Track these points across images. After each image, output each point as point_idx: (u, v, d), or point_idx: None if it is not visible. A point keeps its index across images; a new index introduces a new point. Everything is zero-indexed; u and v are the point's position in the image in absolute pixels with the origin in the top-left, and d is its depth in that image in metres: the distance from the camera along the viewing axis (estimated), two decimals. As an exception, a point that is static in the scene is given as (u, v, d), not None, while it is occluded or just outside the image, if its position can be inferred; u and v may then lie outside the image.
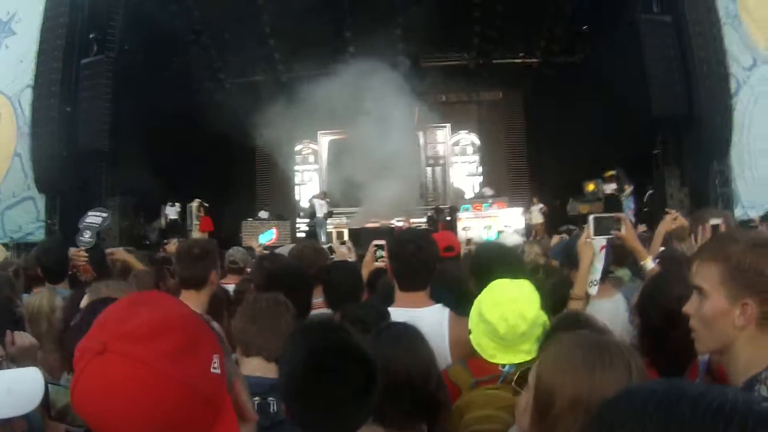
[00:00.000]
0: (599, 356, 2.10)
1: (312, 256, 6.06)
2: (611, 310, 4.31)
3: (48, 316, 4.66)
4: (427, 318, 4.09)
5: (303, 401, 2.55)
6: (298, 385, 2.54)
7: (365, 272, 5.57)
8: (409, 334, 3.18)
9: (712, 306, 2.31)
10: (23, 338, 3.64)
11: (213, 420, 1.46)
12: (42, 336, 4.33)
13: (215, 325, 3.66)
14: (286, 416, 2.98)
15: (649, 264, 4.62)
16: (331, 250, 7.80)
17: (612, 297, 4.79)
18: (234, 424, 1.50)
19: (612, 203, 23.85)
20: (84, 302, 4.01)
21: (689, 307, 2.41)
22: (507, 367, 3.46)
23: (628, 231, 4.52)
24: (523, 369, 2.36)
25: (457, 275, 5.13)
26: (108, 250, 6.79)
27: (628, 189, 24.60)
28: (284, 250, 7.83)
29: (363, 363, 2.54)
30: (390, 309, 4.27)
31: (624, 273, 5.76)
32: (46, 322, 4.60)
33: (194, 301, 4.74)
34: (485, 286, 3.80)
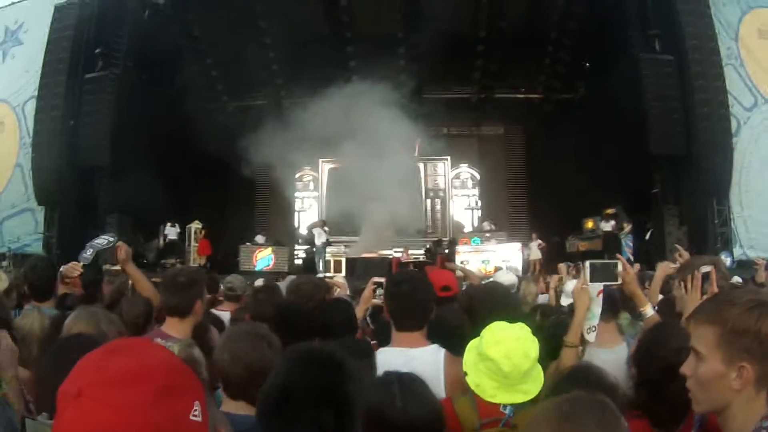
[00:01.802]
0: (566, 423, 2.05)
1: (310, 291, 6.03)
2: (612, 363, 4.17)
3: (39, 339, 4.59)
4: (422, 358, 4.08)
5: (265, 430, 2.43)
6: (261, 415, 2.45)
7: (362, 308, 5.54)
8: (416, 384, 3.11)
9: (708, 369, 2.30)
10: (6, 339, 3.61)
11: None
12: (33, 360, 4.28)
13: (197, 351, 3.57)
14: None
15: (648, 311, 4.55)
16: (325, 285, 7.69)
17: (614, 348, 4.68)
18: None
19: (610, 241, 23.84)
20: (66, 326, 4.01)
21: (686, 368, 2.40)
22: (508, 410, 3.44)
23: (627, 275, 4.44)
24: (527, 415, 2.32)
25: (455, 322, 5.06)
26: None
27: (627, 227, 24.61)
28: (284, 284, 7.79)
29: (334, 408, 2.38)
30: (385, 349, 4.29)
31: (624, 317, 5.70)
32: (37, 346, 4.53)
33: (177, 329, 4.73)
34: (480, 328, 3.75)
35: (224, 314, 6.53)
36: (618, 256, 4.80)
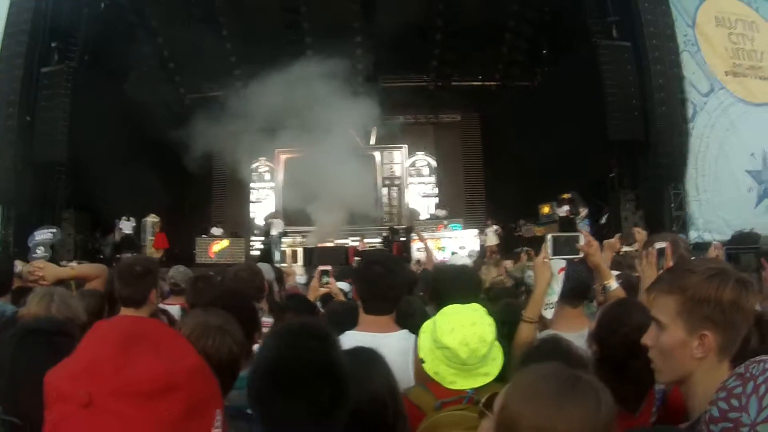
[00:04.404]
0: (570, 390, 1.96)
1: (247, 277, 5.91)
2: (580, 345, 4.06)
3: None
4: (393, 344, 3.95)
5: (258, 409, 2.27)
6: (254, 393, 2.26)
7: (311, 297, 5.46)
8: (369, 358, 2.94)
9: (670, 338, 2.33)
10: None
11: None
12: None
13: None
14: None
15: (613, 284, 4.45)
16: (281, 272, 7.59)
17: (580, 331, 4.23)
18: None
19: (567, 226, 23.92)
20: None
21: (648, 339, 2.43)
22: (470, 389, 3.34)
23: (591, 247, 4.32)
24: (491, 393, 2.20)
25: (407, 310, 4.87)
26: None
27: (583, 212, 24.77)
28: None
29: (329, 381, 2.22)
30: (353, 332, 4.11)
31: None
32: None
33: None
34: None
35: (173, 308, 6.33)
36: (579, 229, 4.74)
